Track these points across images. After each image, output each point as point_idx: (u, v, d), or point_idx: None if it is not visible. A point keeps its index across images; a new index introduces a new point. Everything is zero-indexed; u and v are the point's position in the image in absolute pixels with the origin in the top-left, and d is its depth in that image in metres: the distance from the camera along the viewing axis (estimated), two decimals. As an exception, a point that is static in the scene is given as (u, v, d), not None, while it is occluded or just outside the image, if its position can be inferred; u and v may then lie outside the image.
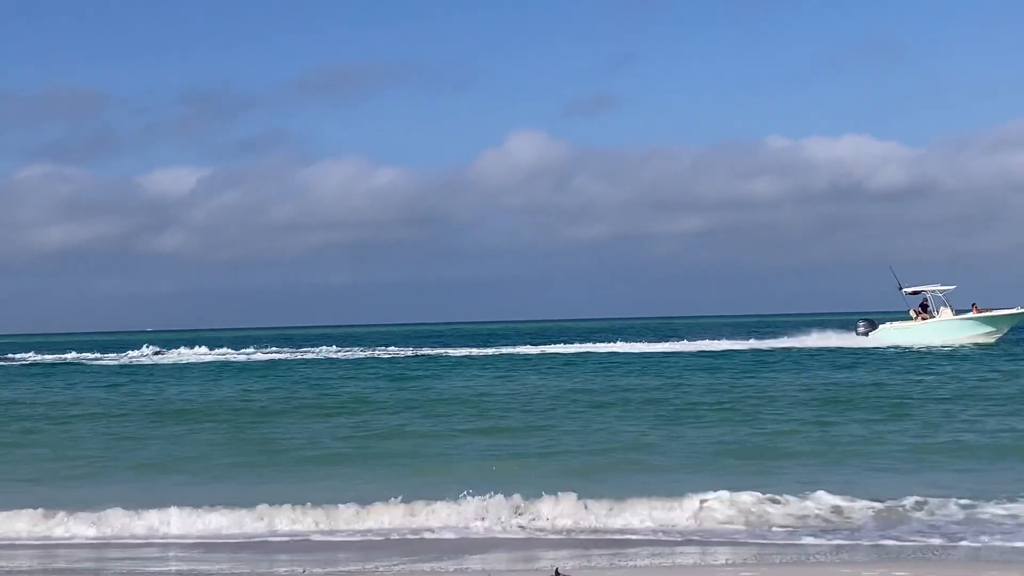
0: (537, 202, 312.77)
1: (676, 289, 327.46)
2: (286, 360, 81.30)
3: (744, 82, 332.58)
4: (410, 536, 18.12)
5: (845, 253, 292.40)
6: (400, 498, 19.38)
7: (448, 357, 77.92)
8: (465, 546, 17.28)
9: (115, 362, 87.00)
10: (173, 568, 16.31)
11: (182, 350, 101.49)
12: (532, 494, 19.18)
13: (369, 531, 18.54)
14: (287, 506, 19.29)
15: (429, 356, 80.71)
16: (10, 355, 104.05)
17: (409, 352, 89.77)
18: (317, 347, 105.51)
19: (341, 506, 19.29)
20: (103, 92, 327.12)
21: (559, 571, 14.12)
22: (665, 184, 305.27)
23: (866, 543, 16.68)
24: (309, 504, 19.31)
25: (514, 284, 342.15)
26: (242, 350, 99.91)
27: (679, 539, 17.48)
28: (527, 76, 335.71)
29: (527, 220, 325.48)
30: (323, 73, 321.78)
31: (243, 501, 19.77)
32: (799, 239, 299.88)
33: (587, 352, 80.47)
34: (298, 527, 18.83)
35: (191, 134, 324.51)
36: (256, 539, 18.25)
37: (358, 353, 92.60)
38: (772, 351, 72.42)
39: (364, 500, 19.54)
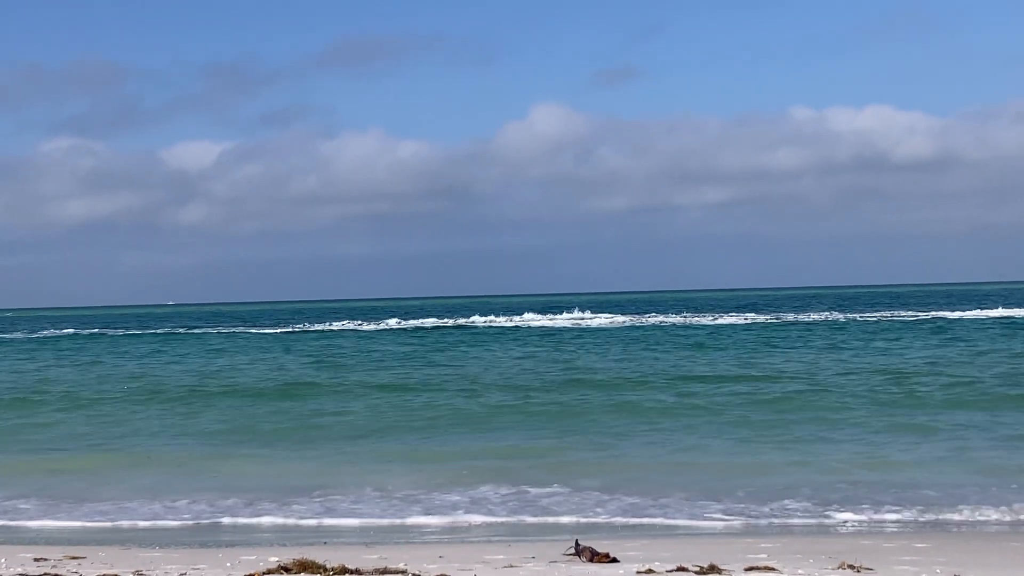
0: (560, 174, 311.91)
1: (698, 261, 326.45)
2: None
3: (767, 53, 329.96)
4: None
5: (869, 224, 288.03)
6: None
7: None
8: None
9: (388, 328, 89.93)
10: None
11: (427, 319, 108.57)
12: None
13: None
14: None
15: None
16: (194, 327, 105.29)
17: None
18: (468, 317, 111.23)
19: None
20: (126, 65, 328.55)
21: (579, 541, 14.58)
22: (688, 156, 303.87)
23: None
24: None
25: (536, 256, 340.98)
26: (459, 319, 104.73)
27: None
28: (550, 48, 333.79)
29: (549, 192, 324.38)
30: (346, 46, 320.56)
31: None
32: (823, 211, 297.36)
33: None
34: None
35: (214, 107, 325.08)
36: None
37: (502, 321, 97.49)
38: None
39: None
